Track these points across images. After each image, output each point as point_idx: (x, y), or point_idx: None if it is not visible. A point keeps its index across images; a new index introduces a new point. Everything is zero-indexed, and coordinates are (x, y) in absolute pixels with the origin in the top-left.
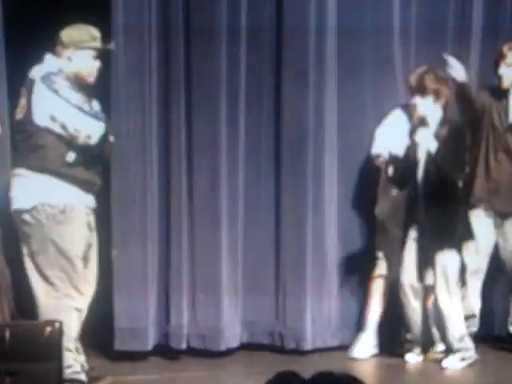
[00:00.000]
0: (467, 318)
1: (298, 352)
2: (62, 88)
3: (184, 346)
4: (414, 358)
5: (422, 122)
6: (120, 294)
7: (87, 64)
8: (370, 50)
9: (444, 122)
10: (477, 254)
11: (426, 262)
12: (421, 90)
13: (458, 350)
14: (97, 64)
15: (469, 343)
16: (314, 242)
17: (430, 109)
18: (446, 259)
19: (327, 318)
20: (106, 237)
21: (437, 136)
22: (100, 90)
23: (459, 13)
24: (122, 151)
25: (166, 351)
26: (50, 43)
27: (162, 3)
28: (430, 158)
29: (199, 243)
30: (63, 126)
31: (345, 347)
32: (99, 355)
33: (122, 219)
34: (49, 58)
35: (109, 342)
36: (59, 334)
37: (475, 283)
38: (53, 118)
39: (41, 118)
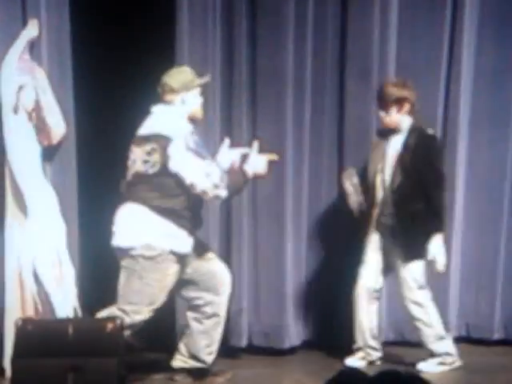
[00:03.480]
0: None
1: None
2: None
3: (244, 343)
4: (355, 362)
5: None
6: None
7: (197, 102)
8: (426, 48)
9: (412, 129)
10: None
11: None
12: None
13: (436, 354)
14: (201, 99)
15: (449, 347)
16: None
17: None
18: (413, 265)
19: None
20: None
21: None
22: None
23: None
24: None
25: (226, 349)
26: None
27: (227, 3)
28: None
29: (262, 242)
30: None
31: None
32: (163, 351)
33: None
34: (163, 109)
35: (171, 340)
36: (120, 330)
37: None
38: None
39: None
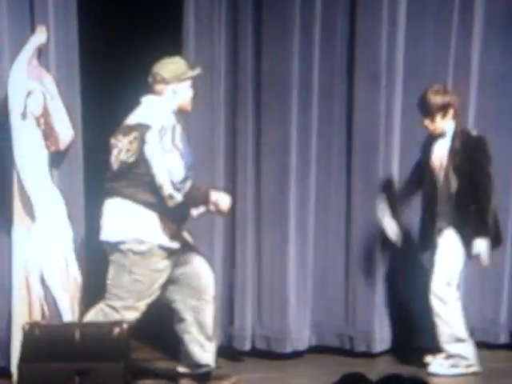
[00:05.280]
0: None
1: (368, 354)
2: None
3: (248, 347)
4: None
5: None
6: None
7: (188, 94)
8: (434, 53)
9: (456, 133)
10: None
11: None
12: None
13: (449, 355)
14: (192, 92)
15: (465, 351)
16: (383, 245)
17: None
18: (448, 260)
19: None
20: None
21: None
22: None
23: None
24: None
25: (230, 352)
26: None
27: (232, 5)
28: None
29: (267, 245)
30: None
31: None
32: (167, 356)
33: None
34: (151, 100)
35: (175, 345)
36: (127, 334)
37: None
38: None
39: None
